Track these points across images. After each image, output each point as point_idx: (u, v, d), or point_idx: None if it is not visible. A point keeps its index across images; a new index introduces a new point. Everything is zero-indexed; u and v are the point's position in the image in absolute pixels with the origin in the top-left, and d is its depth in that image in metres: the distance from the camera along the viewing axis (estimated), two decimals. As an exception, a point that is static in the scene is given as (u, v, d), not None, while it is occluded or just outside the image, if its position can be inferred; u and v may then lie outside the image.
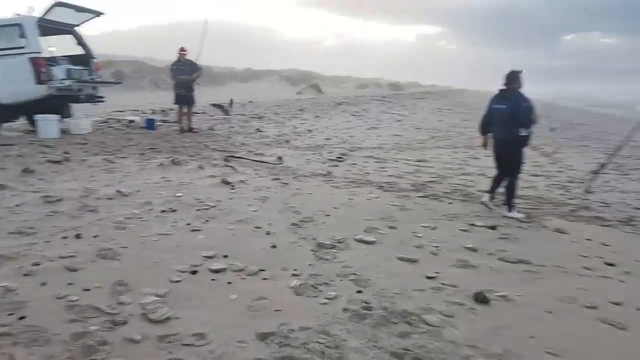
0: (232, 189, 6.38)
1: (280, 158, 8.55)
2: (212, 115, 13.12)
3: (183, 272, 3.71)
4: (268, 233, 4.79)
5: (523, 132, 5.97)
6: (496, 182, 6.39)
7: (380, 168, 8.82)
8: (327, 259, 4.25)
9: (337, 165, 8.65)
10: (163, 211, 5.18)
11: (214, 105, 15.51)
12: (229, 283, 3.60)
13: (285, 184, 6.91)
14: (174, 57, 11.38)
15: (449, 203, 6.62)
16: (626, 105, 53.13)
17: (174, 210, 5.22)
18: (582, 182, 8.95)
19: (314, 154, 9.56)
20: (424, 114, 24.13)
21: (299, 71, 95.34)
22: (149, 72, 59.43)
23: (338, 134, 12.98)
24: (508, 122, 5.99)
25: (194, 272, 3.71)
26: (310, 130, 12.77)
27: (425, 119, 21.57)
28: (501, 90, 6.16)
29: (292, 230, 4.94)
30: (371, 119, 18.18)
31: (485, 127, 6.39)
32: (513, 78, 6.06)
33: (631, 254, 5.02)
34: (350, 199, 6.39)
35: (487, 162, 10.28)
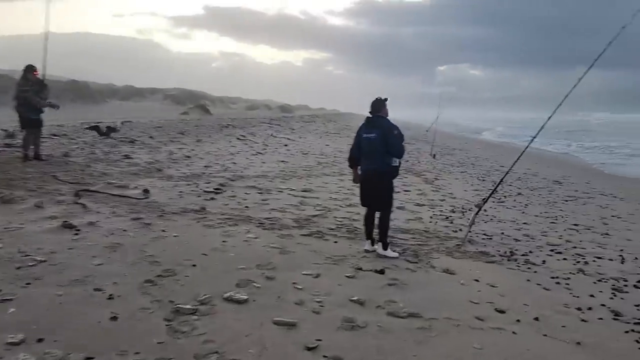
0: (75, 234, 5.21)
1: (146, 191, 7.42)
2: (73, 139, 11.48)
3: (-36, 375, 2.62)
4: (110, 297, 3.78)
5: (394, 162, 5.63)
6: (369, 223, 5.91)
7: (262, 200, 8.08)
8: (183, 332, 3.37)
9: (213, 199, 7.75)
10: (-35, 273, 3.92)
11: (91, 127, 13.78)
12: (34, 387, 2.59)
13: (147, 224, 5.86)
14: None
15: (334, 242, 6.05)
16: (489, 130, 58.71)
17: (-18, 271, 3.98)
18: (463, 212, 9.02)
19: (188, 184, 8.54)
20: (312, 138, 24.00)
21: (186, 90, 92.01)
22: (11, 86, 52.99)
23: (220, 160, 12.04)
24: (378, 151, 5.60)
25: (-19, 375, 2.64)
26: (188, 157, 11.67)
27: (312, 143, 21.37)
28: (368, 119, 5.78)
29: (144, 291, 3.98)
30: (257, 143, 17.46)
31: (356, 159, 5.93)
32: (379, 106, 5.73)
33: (518, 296, 4.80)
34: (224, 241, 5.54)
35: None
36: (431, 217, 8.23)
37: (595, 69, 6.54)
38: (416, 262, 5.53)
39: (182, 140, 14.41)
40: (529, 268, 5.75)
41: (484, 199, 6.49)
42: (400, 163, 5.73)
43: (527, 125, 68.82)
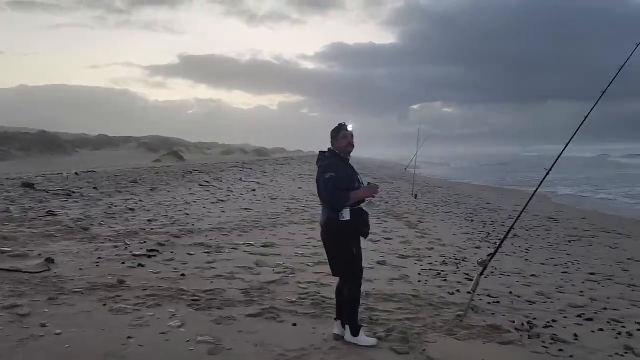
0: None
1: (49, 261, 5.67)
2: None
3: None
4: None
5: (341, 216, 3.90)
6: (338, 295, 4.24)
7: (208, 263, 6.40)
8: None
9: (142, 265, 6.01)
10: None
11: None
12: None
13: (23, 316, 4.13)
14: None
15: (293, 325, 4.39)
16: (443, 165, 58.85)
17: None
18: (457, 264, 7.47)
19: (116, 246, 6.81)
20: (284, 181, 22.47)
21: (161, 138, 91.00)
22: (-25, 140, 51.35)
23: (170, 212, 10.34)
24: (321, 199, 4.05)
25: None
26: (131, 209, 9.95)
27: (283, 186, 19.83)
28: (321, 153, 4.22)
29: None
30: (222, 189, 15.81)
31: None
32: (331, 135, 4.13)
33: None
34: (129, 338, 3.84)
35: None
36: (420, 274, 6.67)
37: (562, 101, 5.25)
38: (407, 353, 3.91)
39: (133, 190, 12.69)
40: (561, 350, 4.16)
41: (489, 255, 4.95)
42: (358, 216, 3.96)
43: (490, 162, 70.11)
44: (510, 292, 5.93)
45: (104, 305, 4.53)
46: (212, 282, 5.57)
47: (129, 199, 11.10)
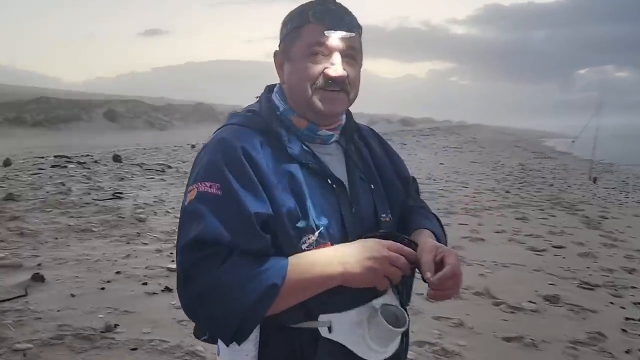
0: None
1: (36, 279, 3.92)
2: (88, 168, 8.67)
3: None
4: None
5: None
6: None
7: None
8: None
9: (168, 290, 4.06)
10: None
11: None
12: None
13: None
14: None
15: None
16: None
17: None
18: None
19: (159, 250, 4.97)
20: (424, 155, 19.66)
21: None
22: (145, 111, 57.06)
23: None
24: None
25: None
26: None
27: (422, 161, 17.12)
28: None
29: None
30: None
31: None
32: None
33: None
34: None
35: (499, 252, 5.15)
36: (624, 330, 3.79)
37: None
38: None
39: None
40: None
41: None
42: None
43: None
44: None
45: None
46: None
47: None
